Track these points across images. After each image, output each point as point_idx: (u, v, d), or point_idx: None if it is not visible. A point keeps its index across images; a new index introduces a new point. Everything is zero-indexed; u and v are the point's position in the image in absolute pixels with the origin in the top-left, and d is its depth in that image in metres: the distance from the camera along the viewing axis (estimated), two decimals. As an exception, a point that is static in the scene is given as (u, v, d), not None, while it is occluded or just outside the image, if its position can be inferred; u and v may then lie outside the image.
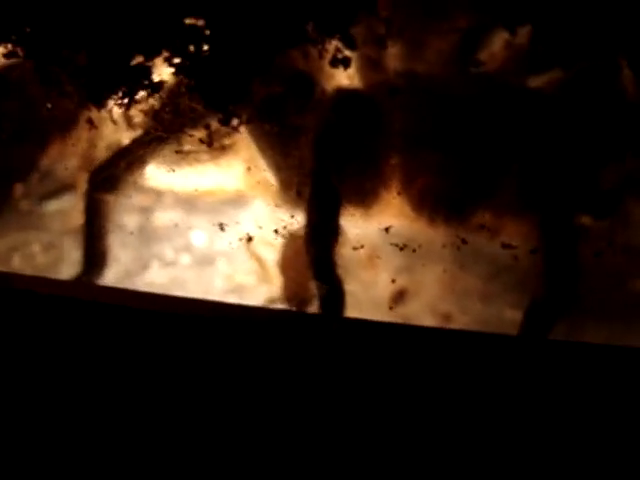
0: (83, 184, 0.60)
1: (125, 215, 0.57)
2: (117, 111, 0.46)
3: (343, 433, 0.39)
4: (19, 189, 0.64)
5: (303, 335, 0.40)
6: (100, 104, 0.40)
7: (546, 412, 0.38)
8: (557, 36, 0.49)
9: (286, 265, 0.49)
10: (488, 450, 0.38)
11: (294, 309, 0.48)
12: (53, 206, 0.64)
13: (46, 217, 0.64)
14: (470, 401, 0.38)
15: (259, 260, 0.50)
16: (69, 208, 0.63)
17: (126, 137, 0.51)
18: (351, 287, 0.45)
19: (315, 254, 0.44)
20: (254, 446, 0.40)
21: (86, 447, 0.41)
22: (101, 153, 0.55)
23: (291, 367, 0.40)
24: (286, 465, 0.39)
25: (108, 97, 0.40)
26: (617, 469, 0.37)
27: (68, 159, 0.60)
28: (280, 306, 0.52)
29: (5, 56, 0.48)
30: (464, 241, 0.44)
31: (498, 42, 0.51)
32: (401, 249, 0.44)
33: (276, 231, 0.43)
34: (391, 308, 0.48)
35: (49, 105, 0.45)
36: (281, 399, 0.40)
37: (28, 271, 0.60)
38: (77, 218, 0.62)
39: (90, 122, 0.50)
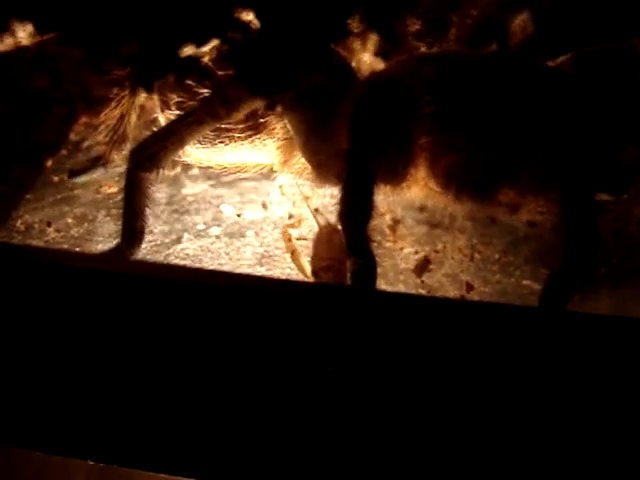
0: (114, 159, 0.61)
1: (159, 188, 0.58)
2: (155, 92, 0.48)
3: (370, 397, 0.40)
4: (51, 163, 0.66)
5: (335, 307, 0.40)
6: (150, 89, 0.41)
7: (560, 380, 0.39)
8: (578, 17, 0.50)
9: (320, 243, 0.49)
10: (504, 414, 0.39)
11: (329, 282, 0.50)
12: (84, 179, 0.66)
13: (78, 190, 0.66)
14: (492, 367, 0.39)
15: (293, 251, 0.51)
16: (100, 181, 0.65)
17: (161, 115, 0.53)
18: (384, 260, 0.47)
19: (351, 231, 0.45)
20: (285, 414, 0.40)
21: (121, 415, 0.42)
22: (133, 130, 0.57)
23: (321, 338, 0.40)
24: (313, 432, 0.40)
25: (157, 82, 0.41)
26: (624, 431, 0.38)
27: (98, 134, 0.62)
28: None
29: (39, 32, 0.49)
30: (493, 220, 0.45)
31: (521, 23, 0.52)
32: (433, 226, 0.46)
33: (316, 210, 0.45)
34: (422, 282, 0.50)
35: (100, 91, 0.46)
36: (313, 369, 0.40)
37: (64, 244, 0.60)
38: (107, 190, 0.63)
39: (123, 99, 0.51)
